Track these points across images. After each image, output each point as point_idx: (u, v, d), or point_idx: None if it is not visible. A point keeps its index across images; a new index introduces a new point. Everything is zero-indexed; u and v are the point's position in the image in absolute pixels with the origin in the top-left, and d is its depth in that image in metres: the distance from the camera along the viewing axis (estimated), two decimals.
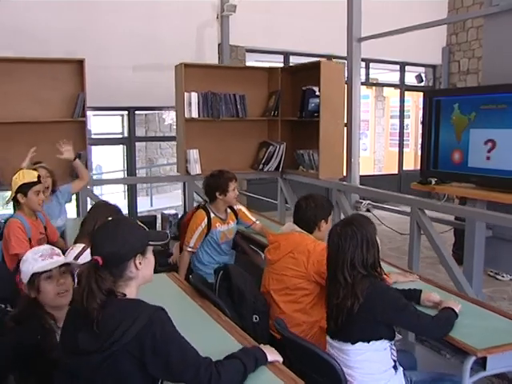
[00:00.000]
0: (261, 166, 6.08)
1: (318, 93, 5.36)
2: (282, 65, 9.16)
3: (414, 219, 4.18)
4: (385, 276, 2.66)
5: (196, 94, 5.74)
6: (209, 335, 2.51)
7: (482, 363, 2.38)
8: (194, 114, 5.76)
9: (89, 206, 5.98)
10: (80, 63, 5.47)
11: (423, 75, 11.33)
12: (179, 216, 8.45)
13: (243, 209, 4.50)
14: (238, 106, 5.95)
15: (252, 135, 6.23)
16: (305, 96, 5.58)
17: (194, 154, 5.75)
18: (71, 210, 7.78)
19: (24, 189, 3.94)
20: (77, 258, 2.78)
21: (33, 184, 3.93)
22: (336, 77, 5.36)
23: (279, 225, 4.98)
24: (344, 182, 5.36)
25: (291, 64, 9.05)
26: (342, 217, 5.25)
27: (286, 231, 3.35)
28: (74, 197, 6.37)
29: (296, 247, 3.15)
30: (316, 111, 5.40)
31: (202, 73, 5.92)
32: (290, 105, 6.02)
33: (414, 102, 13.41)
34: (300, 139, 5.97)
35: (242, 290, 3.27)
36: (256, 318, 3.16)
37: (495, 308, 3.01)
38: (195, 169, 5.77)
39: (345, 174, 5.42)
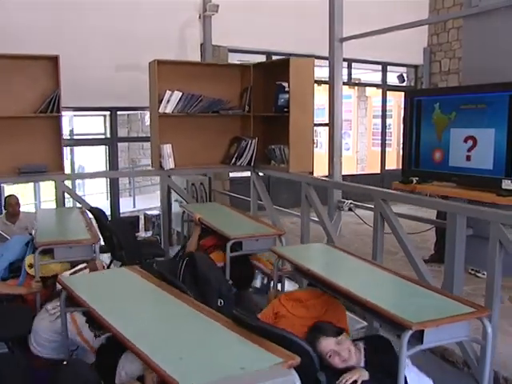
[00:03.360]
0: (233, 161, 6.19)
1: (287, 88, 5.47)
2: None
3: (378, 210, 4.25)
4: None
5: (178, 94, 5.84)
6: (181, 316, 2.64)
7: (420, 338, 2.48)
8: (169, 110, 5.87)
9: (67, 200, 5.99)
10: (55, 60, 5.45)
11: (405, 75, 11.42)
12: (161, 217, 8.43)
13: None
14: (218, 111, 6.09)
15: (225, 130, 6.32)
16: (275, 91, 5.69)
17: (166, 148, 5.85)
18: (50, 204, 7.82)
19: None
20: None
21: None
22: (305, 72, 5.45)
23: (254, 221, 5.00)
24: (312, 176, 5.51)
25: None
26: (311, 210, 5.30)
27: None
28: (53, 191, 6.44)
29: None
30: (286, 106, 5.52)
31: (176, 70, 6.00)
32: (261, 101, 6.12)
33: (396, 102, 13.49)
34: (271, 134, 6.06)
35: (207, 275, 3.44)
36: (221, 303, 3.31)
37: (435, 288, 3.15)
38: (168, 163, 5.88)
39: (327, 173, 5.45)
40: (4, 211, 6.19)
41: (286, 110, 5.51)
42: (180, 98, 5.88)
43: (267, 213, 6.23)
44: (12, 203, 6.00)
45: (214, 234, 4.56)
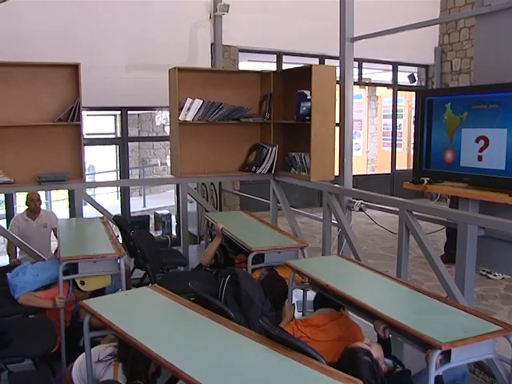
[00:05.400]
0: (253, 168, 6.07)
1: (309, 96, 5.37)
2: (275, 64, 9.20)
3: (403, 221, 4.16)
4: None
5: (199, 102, 5.78)
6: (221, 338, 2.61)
7: (447, 356, 2.52)
8: (189, 118, 5.78)
9: (84, 210, 5.99)
10: (75, 67, 5.42)
11: (416, 75, 11.38)
12: (172, 216, 8.46)
13: None
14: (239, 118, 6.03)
15: (245, 138, 6.24)
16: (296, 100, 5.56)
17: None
18: (64, 212, 7.82)
19: None
20: None
21: None
22: (327, 80, 5.34)
23: (278, 231, 4.96)
24: (336, 185, 5.33)
25: (284, 64, 9.11)
26: (333, 218, 5.26)
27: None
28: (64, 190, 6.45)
29: None
30: (307, 114, 5.41)
31: (195, 76, 5.93)
32: (282, 108, 6.05)
33: (407, 102, 13.45)
34: (292, 142, 5.99)
35: (250, 295, 3.36)
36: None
37: (458, 304, 3.17)
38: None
39: (337, 173, 5.42)
40: (25, 207, 6.20)
41: (307, 118, 5.40)
42: (201, 106, 5.79)
43: (283, 213, 6.15)
44: (34, 199, 6.02)
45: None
